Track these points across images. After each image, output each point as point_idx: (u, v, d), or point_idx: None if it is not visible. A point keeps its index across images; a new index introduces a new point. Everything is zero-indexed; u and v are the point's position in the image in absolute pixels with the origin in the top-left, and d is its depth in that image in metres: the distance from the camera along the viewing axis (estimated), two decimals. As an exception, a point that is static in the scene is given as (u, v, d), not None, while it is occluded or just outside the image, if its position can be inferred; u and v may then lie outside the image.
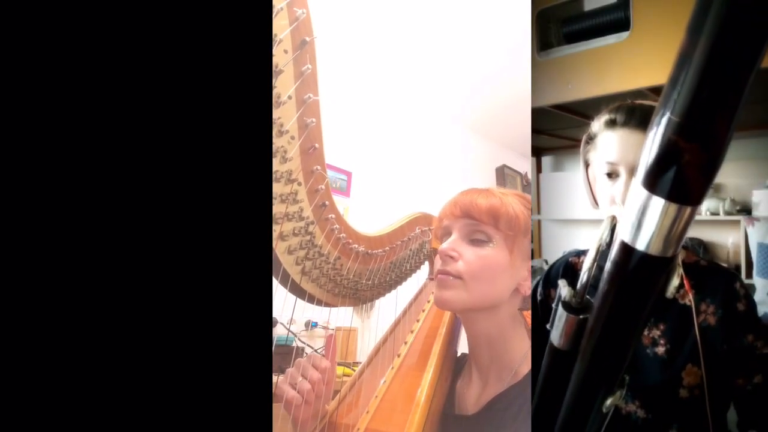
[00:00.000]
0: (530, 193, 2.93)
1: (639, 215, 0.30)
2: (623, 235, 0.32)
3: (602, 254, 0.76)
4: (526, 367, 0.66)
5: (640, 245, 0.31)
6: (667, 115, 0.26)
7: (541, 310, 0.80)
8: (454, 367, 0.79)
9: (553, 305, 0.41)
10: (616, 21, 1.72)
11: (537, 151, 2.83)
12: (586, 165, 0.76)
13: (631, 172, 0.65)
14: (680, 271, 0.32)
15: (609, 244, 0.37)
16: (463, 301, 0.66)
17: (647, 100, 0.72)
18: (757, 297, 1.91)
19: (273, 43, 0.53)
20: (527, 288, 0.69)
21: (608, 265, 0.34)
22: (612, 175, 0.68)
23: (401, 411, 0.70)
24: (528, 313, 0.73)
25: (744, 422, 0.67)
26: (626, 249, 0.32)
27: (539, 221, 2.75)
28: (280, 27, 0.54)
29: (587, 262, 0.38)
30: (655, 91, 1.61)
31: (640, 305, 0.34)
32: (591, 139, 0.73)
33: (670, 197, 0.28)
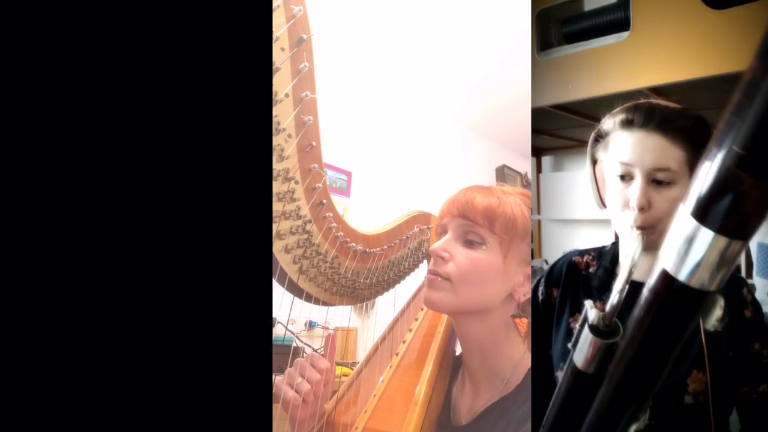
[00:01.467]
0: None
1: (685, 246, 0.29)
2: (665, 263, 0.30)
3: (603, 254, 0.76)
4: (517, 377, 0.65)
5: (683, 276, 0.30)
6: (728, 142, 0.25)
7: (542, 309, 0.79)
8: (452, 366, 0.79)
9: (578, 326, 0.39)
10: (616, 21, 1.72)
11: (537, 151, 2.82)
12: (593, 163, 0.73)
13: (647, 175, 0.63)
14: (722, 302, 0.31)
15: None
16: (450, 303, 0.65)
17: (663, 101, 0.69)
18: (757, 297, 1.90)
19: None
20: (521, 294, 0.66)
21: (646, 293, 0.33)
22: (625, 177, 0.65)
23: (399, 410, 0.69)
24: (521, 321, 0.70)
25: (747, 431, 0.66)
26: (667, 278, 0.31)
27: (539, 221, 2.75)
28: (277, 24, 0.54)
29: (619, 284, 0.36)
30: (655, 91, 1.61)
31: (676, 336, 0.33)
32: (601, 136, 0.70)
33: (721, 230, 0.27)
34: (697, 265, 0.29)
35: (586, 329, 0.38)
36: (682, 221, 0.29)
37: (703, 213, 0.27)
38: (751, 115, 0.23)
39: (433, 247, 0.67)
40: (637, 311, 0.34)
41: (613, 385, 0.38)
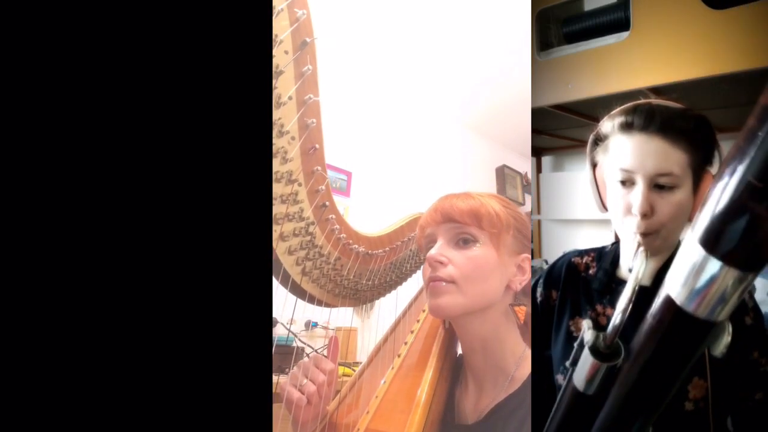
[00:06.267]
0: (530, 193, 2.93)
1: (692, 274, 0.27)
2: (671, 290, 0.29)
3: (603, 255, 0.76)
4: (522, 372, 0.65)
5: (689, 306, 0.28)
6: (741, 171, 0.23)
7: (541, 309, 0.79)
8: (454, 367, 0.79)
9: (575, 345, 0.38)
10: (616, 21, 1.72)
11: (537, 151, 2.82)
12: (593, 166, 0.71)
13: (649, 180, 0.60)
14: (730, 329, 0.30)
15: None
16: (460, 304, 0.66)
17: (663, 100, 0.66)
18: (757, 297, 1.90)
19: (273, 43, 0.53)
20: (517, 283, 0.69)
21: (650, 320, 0.32)
22: (626, 182, 0.62)
23: (401, 411, 0.69)
24: (520, 309, 0.72)
25: None
26: (672, 307, 0.29)
27: (539, 221, 2.75)
28: (281, 28, 0.54)
29: (622, 303, 0.35)
30: (655, 91, 1.61)
31: (681, 364, 0.32)
32: (600, 139, 0.68)
33: (731, 262, 0.25)
34: (705, 296, 0.28)
35: (586, 350, 0.37)
36: (690, 248, 0.27)
37: (712, 242, 0.26)
38: (767, 143, 0.22)
39: (430, 254, 0.67)
40: (640, 338, 0.33)
41: (616, 408, 0.37)
